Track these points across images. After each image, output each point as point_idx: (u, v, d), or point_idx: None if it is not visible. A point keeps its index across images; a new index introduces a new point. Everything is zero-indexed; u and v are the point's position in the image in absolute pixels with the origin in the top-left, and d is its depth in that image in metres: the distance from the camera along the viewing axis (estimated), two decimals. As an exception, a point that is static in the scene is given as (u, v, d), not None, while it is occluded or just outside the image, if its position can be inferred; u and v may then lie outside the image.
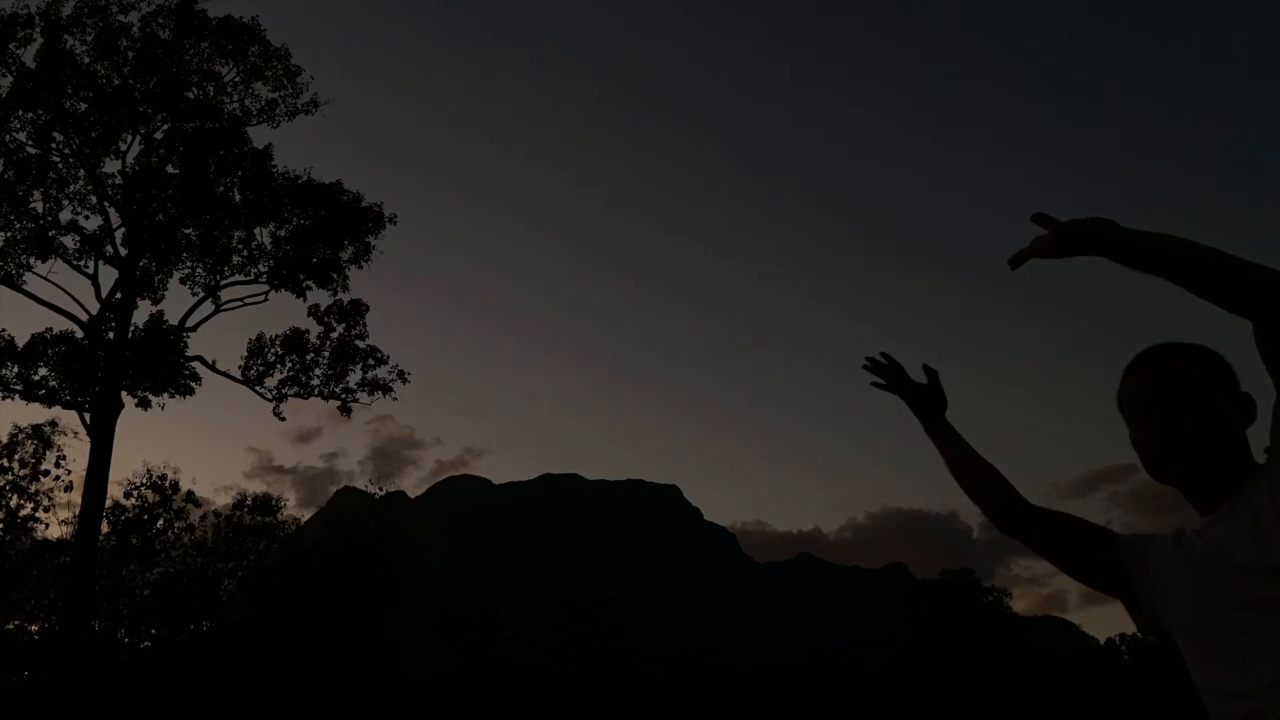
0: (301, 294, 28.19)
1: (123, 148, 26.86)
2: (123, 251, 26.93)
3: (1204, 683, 1.93)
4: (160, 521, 33.32)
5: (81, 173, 26.69)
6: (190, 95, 27.15)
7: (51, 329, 27.08)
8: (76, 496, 31.57)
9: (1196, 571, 1.94)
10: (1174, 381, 2.02)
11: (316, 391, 28.53)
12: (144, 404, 27.60)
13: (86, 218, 26.91)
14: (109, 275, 27.41)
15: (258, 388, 28.38)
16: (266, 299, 28.31)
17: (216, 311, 28.23)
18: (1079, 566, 2.13)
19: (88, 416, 25.96)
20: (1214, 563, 1.91)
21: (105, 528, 29.60)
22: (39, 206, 26.46)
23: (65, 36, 25.94)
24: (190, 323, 28.00)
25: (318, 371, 28.63)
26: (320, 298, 28.69)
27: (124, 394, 26.40)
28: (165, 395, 27.87)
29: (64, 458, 31.53)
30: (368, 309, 28.81)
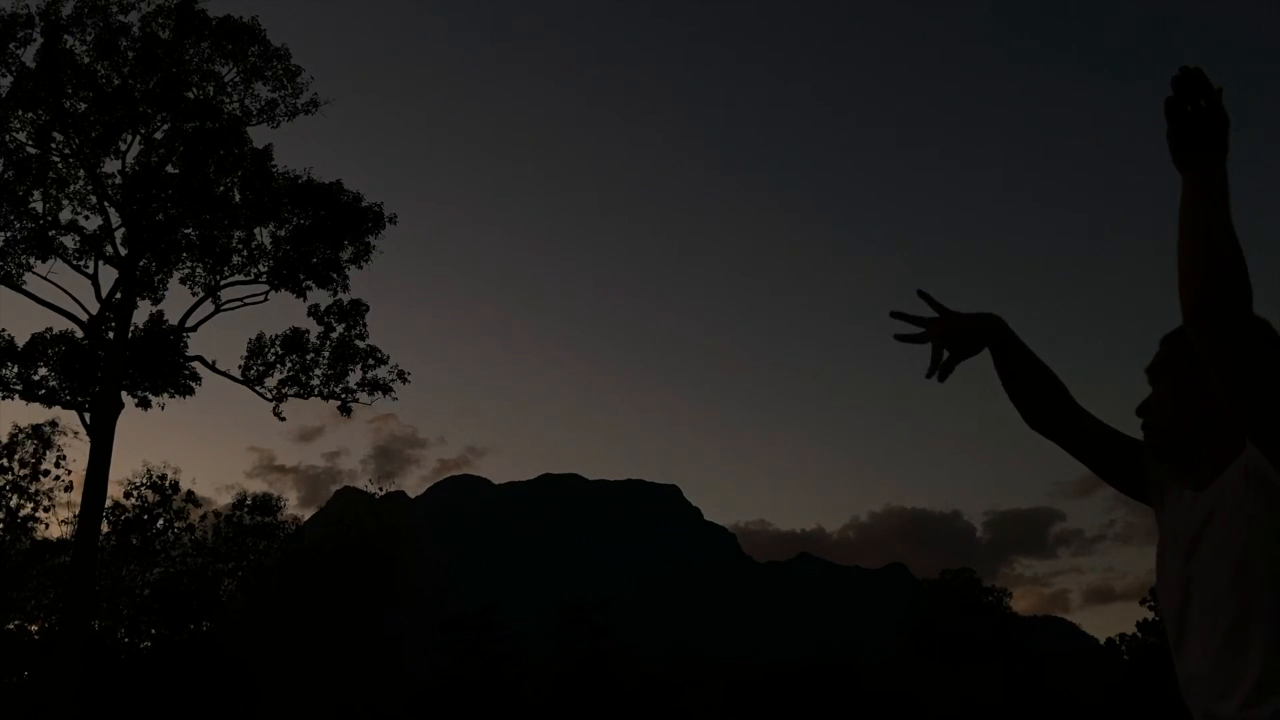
0: (301, 294, 28.23)
1: (123, 148, 26.88)
2: (123, 251, 26.96)
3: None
4: (160, 521, 33.34)
5: (81, 173, 26.72)
6: (190, 95, 27.17)
7: (51, 329, 27.11)
8: (76, 496, 31.48)
9: (1163, 531, 2.02)
10: (1151, 364, 2.12)
11: (316, 391, 28.56)
12: (144, 404, 27.64)
13: (86, 218, 26.95)
14: (109, 275, 27.41)
15: (258, 388, 28.42)
16: (266, 299, 28.35)
17: (216, 311, 28.27)
18: (1108, 473, 2.22)
19: (88, 416, 25.98)
20: (1168, 536, 1.98)
21: (105, 528, 29.61)
22: (39, 206, 26.49)
23: (65, 36, 25.96)
24: (190, 323, 28.05)
25: (318, 371, 28.66)
26: (320, 298, 28.70)
27: (124, 394, 26.42)
28: (165, 395, 27.92)
29: (64, 458, 31.50)
30: (368, 309, 28.84)
